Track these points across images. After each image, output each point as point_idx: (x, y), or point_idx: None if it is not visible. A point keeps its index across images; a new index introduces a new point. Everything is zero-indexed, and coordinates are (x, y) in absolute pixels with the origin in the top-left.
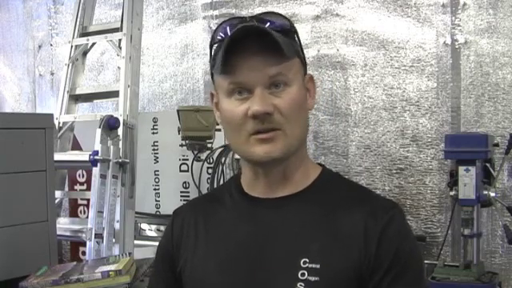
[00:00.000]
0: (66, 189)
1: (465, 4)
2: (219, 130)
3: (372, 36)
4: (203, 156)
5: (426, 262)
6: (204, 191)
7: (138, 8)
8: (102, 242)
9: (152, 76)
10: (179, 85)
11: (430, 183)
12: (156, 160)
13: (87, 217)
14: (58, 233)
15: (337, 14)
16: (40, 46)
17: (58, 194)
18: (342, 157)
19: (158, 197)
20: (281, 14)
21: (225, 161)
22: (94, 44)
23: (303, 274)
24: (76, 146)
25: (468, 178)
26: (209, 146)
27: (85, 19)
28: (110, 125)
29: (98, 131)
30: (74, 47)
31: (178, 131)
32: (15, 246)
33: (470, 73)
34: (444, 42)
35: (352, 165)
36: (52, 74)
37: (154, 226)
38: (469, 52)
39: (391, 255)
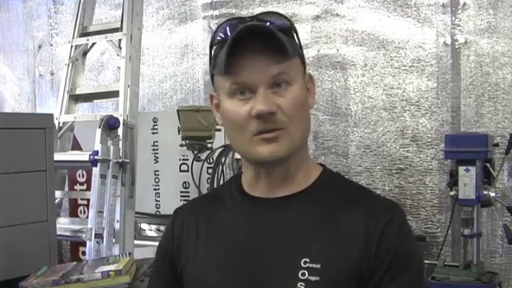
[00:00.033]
0: (66, 189)
1: (465, 4)
2: (219, 129)
3: (372, 36)
4: (203, 156)
5: (426, 261)
6: (204, 191)
7: (138, 8)
8: (102, 241)
9: (152, 76)
10: (179, 85)
11: (429, 183)
12: (156, 160)
13: (87, 217)
14: (58, 233)
15: (337, 14)
16: (40, 46)
17: (58, 194)
18: (342, 157)
19: (158, 197)
20: (280, 14)
21: (225, 161)
22: (93, 44)
23: (304, 274)
24: (76, 146)
25: (468, 177)
26: (209, 145)
27: (85, 19)
28: (110, 125)
29: (98, 131)
30: (73, 47)
31: (178, 131)
32: (15, 246)
33: (470, 73)
34: (444, 42)
35: (352, 165)
36: (52, 74)
37: (154, 226)
38: (469, 52)
39: (391, 255)
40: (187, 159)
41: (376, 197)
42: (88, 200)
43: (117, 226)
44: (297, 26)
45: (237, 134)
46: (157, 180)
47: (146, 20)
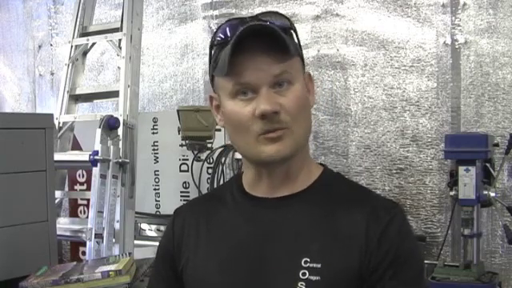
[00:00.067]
0: (66, 189)
1: (465, 4)
2: (219, 129)
3: (372, 36)
4: (203, 156)
5: (426, 261)
6: (204, 191)
7: (138, 8)
8: (102, 241)
9: (152, 76)
10: (179, 85)
11: (430, 183)
12: (156, 160)
13: (87, 217)
14: (58, 233)
15: (337, 14)
16: (40, 46)
17: (58, 194)
18: (342, 157)
19: (158, 197)
20: (280, 14)
21: (225, 161)
22: (93, 44)
23: (304, 274)
24: (76, 146)
25: (468, 177)
26: (209, 146)
27: (85, 19)
28: (110, 125)
29: (98, 131)
30: (73, 47)
31: (178, 131)
32: (15, 246)
33: (470, 73)
34: (444, 42)
35: (352, 165)
36: (52, 74)
37: (154, 226)
38: (469, 52)
39: (391, 255)
40: (187, 159)
41: (376, 197)
42: (88, 200)
43: (117, 226)
44: (297, 26)
45: (240, 134)
46: (157, 180)
47: (146, 20)
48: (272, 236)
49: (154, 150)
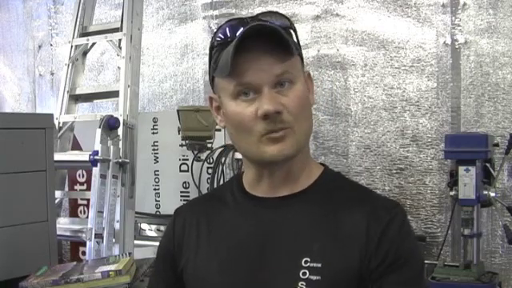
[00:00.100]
0: (66, 189)
1: (465, 4)
2: (219, 130)
3: (372, 36)
4: (203, 156)
5: (426, 261)
6: (204, 191)
7: (138, 8)
8: (102, 241)
9: (152, 76)
10: (179, 85)
11: (430, 183)
12: (156, 160)
13: (87, 217)
14: (58, 233)
15: (337, 14)
16: (40, 46)
17: (58, 194)
18: (342, 157)
19: (158, 197)
20: (280, 13)
21: (225, 161)
22: (93, 44)
23: (304, 274)
24: (76, 146)
25: (468, 177)
26: (209, 145)
27: (85, 19)
28: (110, 125)
29: (98, 131)
30: (73, 47)
31: (178, 131)
32: (15, 246)
33: (470, 73)
34: (444, 42)
35: (352, 165)
36: (52, 74)
37: (154, 226)
38: (469, 52)
39: (392, 255)
40: (187, 159)
41: (377, 197)
42: (88, 200)
43: (117, 226)
44: (297, 26)
45: (242, 135)
46: (157, 180)
47: (146, 20)
48: (272, 236)
49: (153, 149)
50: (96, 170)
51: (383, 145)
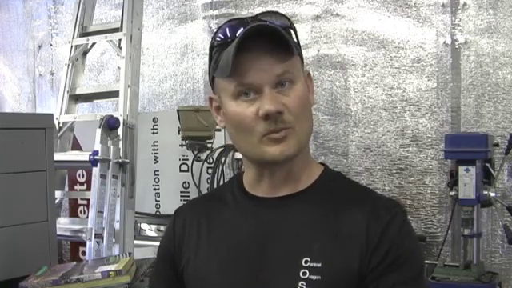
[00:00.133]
0: (66, 189)
1: (465, 4)
2: (219, 130)
3: (372, 36)
4: (203, 156)
5: (426, 261)
6: (204, 191)
7: (138, 8)
8: (102, 241)
9: (152, 76)
10: (179, 85)
11: (430, 183)
12: (156, 160)
13: (87, 217)
14: (58, 233)
15: (337, 14)
16: (40, 46)
17: (58, 194)
18: (342, 157)
19: (158, 197)
20: (280, 13)
21: (225, 161)
22: (93, 44)
23: (305, 273)
24: (76, 146)
25: (468, 177)
26: (209, 146)
27: (85, 19)
28: (110, 125)
29: (98, 131)
30: (73, 47)
31: (178, 131)
32: (15, 246)
33: (470, 73)
34: (444, 42)
35: (352, 165)
36: (52, 74)
37: (154, 226)
38: (469, 52)
39: (392, 255)
40: (187, 159)
41: (378, 196)
42: (88, 200)
43: (117, 226)
44: (297, 26)
45: (243, 135)
46: (157, 180)
47: (146, 20)
48: (272, 236)
49: (154, 149)
50: (96, 170)
51: (383, 145)
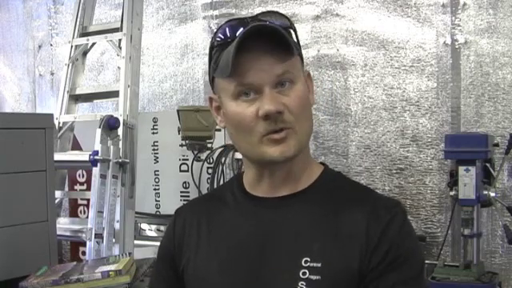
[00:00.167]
0: (66, 189)
1: (465, 4)
2: (219, 130)
3: (372, 36)
4: (203, 156)
5: (426, 261)
6: (204, 191)
7: (138, 8)
8: (102, 241)
9: (152, 76)
10: (179, 85)
11: (430, 183)
12: (156, 160)
13: (87, 217)
14: (58, 233)
15: (337, 14)
16: (40, 46)
17: (58, 194)
18: (342, 157)
19: (158, 197)
20: (280, 13)
21: (225, 161)
22: (93, 44)
23: (304, 273)
24: (76, 146)
25: (468, 177)
26: (209, 145)
27: (85, 19)
28: (110, 125)
29: (98, 131)
30: (73, 47)
31: (178, 131)
32: (15, 246)
33: (470, 73)
34: (444, 42)
35: (352, 165)
36: (52, 74)
37: (153, 226)
38: (469, 52)
39: (392, 255)
40: (187, 159)
41: (378, 196)
42: (88, 200)
43: (117, 226)
44: (297, 26)
45: (243, 135)
46: (157, 180)
47: (146, 20)
48: (272, 236)
49: (154, 149)
50: (96, 170)
51: (383, 145)
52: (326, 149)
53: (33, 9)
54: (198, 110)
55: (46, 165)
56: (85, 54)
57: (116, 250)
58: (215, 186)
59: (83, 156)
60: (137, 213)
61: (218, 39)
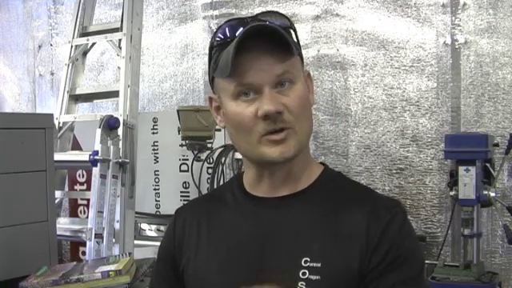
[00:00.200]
0: (66, 189)
1: (465, 4)
2: (219, 130)
3: (372, 36)
4: (203, 156)
5: (426, 261)
6: (204, 191)
7: (138, 8)
8: (102, 241)
9: (152, 76)
10: (179, 85)
11: (430, 183)
12: (156, 160)
13: (87, 217)
14: (58, 233)
15: (337, 14)
16: (40, 46)
17: (58, 194)
18: (342, 157)
19: (158, 197)
20: (279, 13)
21: (225, 161)
22: (93, 44)
23: (304, 273)
24: (76, 146)
25: (468, 177)
26: (209, 146)
27: (85, 19)
28: (110, 125)
29: (98, 131)
30: (73, 47)
31: (178, 131)
32: (15, 246)
33: (470, 73)
34: (444, 42)
35: (352, 165)
36: (52, 74)
37: (154, 226)
38: (469, 52)
39: (392, 255)
40: (187, 159)
41: (378, 196)
42: (88, 200)
43: (117, 226)
44: (297, 26)
45: (242, 135)
46: (157, 180)
47: (146, 20)
48: (272, 236)
49: (154, 149)
50: (96, 170)
51: (383, 145)
52: (326, 149)
53: (33, 9)
54: (198, 110)
55: (46, 165)
56: (85, 54)
57: (116, 250)
58: (215, 186)
59: (83, 156)
60: (137, 213)
61: (218, 39)
